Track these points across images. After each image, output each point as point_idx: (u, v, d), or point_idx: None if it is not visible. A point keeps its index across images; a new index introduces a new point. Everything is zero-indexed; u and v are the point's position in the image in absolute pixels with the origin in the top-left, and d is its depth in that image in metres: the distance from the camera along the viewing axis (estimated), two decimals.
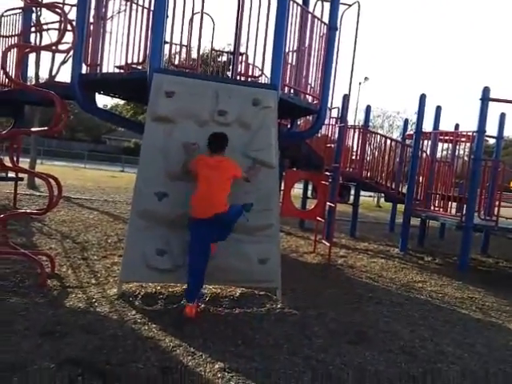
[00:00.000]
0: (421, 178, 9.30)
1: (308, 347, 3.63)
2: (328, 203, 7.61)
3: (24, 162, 10.12)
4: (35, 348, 3.09)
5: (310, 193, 11.37)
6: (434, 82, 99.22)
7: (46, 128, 4.70)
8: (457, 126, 10.36)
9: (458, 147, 10.04)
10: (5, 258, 4.96)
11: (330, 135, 9.99)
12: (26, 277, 4.53)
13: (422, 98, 8.55)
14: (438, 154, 10.00)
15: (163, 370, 2.99)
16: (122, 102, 37.63)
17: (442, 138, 9.97)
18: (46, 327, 3.44)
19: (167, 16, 4.98)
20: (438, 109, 9.36)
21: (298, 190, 10.61)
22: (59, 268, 5.04)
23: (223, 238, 4.36)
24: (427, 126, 9.94)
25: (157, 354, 3.20)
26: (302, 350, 3.55)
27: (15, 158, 6.92)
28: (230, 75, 7.62)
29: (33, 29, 7.39)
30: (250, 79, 5.75)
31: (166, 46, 5.28)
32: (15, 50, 6.27)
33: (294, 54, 5.75)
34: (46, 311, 3.76)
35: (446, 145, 11.40)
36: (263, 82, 5.75)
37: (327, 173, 7.83)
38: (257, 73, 5.77)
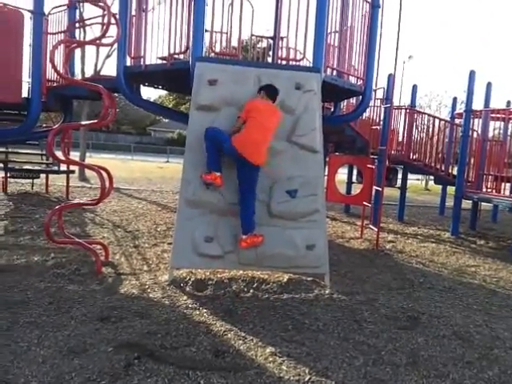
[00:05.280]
0: (472, 159, 8.93)
1: (359, 332, 3.59)
2: (375, 187, 7.46)
3: (74, 156, 10.49)
4: (93, 333, 3.23)
5: (354, 178, 11.19)
6: (482, 58, 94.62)
7: (95, 121, 4.84)
8: (509, 103, 9.85)
9: (510, 125, 9.55)
10: (61, 247, 5.20)
11: (374, 117, 9.74)
12: (81, 265, 4.73)
13: (472, 74, 8.17)
14: (490, 133, 9.53)
15: (216, 354, 3.04)
16: (164, 93, 38.37)
17: (493, 115, 9.49)
18: (103, 313, 3.58)
19: (207, 4, 4.99)
20: (489, 86, 8.92)
21: (342, 175, 10.46)
22: (112, 256, 5.22)
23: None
24: (477, 104, 9.51)
25: (209, 338, 3.27)
26: (353, 336, 3.52)
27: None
28: (270, 61, 7.56)
29: (77, 25, 7.60)
30: (291, 63, 5.67)
31: (207, 35, 5.30)
32: (62, 46, 6.48)
33: (336, 34, 5.63)
34: (102, 297, 3.91)
35: (497, 123, 10.87)
36: (305, 65, 5.65)
37: (373, 156, 7.66)
38: (298, 56, 5.68)
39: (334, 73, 5.76)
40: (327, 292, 4.49)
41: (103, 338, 3.15)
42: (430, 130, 9.87)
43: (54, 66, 4.85)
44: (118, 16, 5.45)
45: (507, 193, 8.69)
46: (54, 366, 2.73)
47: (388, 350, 3.32)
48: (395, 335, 3.59)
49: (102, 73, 13.19)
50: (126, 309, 3.69)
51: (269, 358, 3.04)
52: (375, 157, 7.78)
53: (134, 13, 5.77)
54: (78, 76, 12.79)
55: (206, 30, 5.18)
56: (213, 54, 5.82)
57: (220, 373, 2.80)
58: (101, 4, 5.33)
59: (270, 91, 4.50)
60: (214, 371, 2.81)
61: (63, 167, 9.62)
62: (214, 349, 3.11)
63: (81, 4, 10.75)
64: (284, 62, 5.86)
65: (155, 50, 5.56)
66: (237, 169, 4.38)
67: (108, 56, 13.30)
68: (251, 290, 4.35)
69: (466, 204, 9.27)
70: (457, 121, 10.49)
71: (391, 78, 8.37)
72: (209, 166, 4.42)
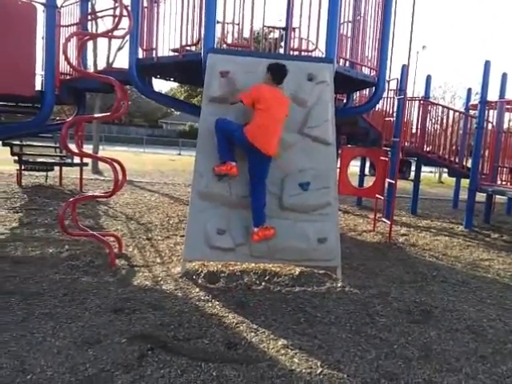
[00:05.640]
0: (486, 151, 8.80)
1: (371, 326, 3.58)
2: (388, 180, 7.40)
3: (87, 149, 10.56)
4: (107, 324, 3.26)
5: (367, 170, 11.13)
6: (497, 48, 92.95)
7: (108, 113, 4.85)
8: None
9: None
10: (75, 240, 5.26)
11: (388, 108, 9.64)
12: (95, 257, 4.77)
13: (487, 65, 8.03)
14: (505, 125, 9.37)
15: (228, 346, 3.06)
16: (175, 85, 38.40)
17: (508, 107, 9.33)
18: (117, 304, 3.61)
19: None
20: (504, 76, 8.76)
21: (354, 167, 10.40)
22: (126, 248, 5.26)
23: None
24: (492, 95, 9.35)
25: (221, 330, 3.28)
26: (365, 329, 3.51)
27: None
28: (282, 52, 7.50)
29: (89, 17, 7.61)
30: (303, 54, 5.62)
31: (219, 26, 5.26)
32: (75, 38, 6.50)
33: (349, 24, 5.56)
34: (116, 289, 3.94)
35: None
36: (318, 56, 5.60)
37: (386, 148, 7.60)
38: (310, 47, 5.62)
39: (347, 63, 5.70)
40: (339, 285, 4.47)
41: (117, 329, 3.18)
42: (444, 121, 9.75)
43: (67, 59, 4.87)
44: (129, 8, 5.44)
45: None
46: (68, 357, 2.77)
47: (400, 343, 3.30)
48: (407, 329, 3.58)
49: (114, 65, 13.22)
50: (140, 300, 3.72)
51: (281, 351, 3.05)
52: (388, 149, 7.71)
53: (145, 4, 5.76)
54: (91, 68, 12.83)
55: (218, 22, 5.15)
56: (225, 46, 5.79)
57: (232, 365, 2.81)
58: None
59: (275, 74, 4.32)
60: (226, 363, 2.83)
61: (77, 160, 9.70)
62: (226, 341, 3.12)
63: None
64: (296, 53, 5.80)
65: (167, 42, 5.55)
66: (247, 160, 4.36)
67: (120, 48, 13.33)
68: (263, 283, 4.35)
69: (480, 197, 9.17)
70: (471, 112, 10.33)
71: (405, 69, 8.27)
72: (222, 157, 4.41)
